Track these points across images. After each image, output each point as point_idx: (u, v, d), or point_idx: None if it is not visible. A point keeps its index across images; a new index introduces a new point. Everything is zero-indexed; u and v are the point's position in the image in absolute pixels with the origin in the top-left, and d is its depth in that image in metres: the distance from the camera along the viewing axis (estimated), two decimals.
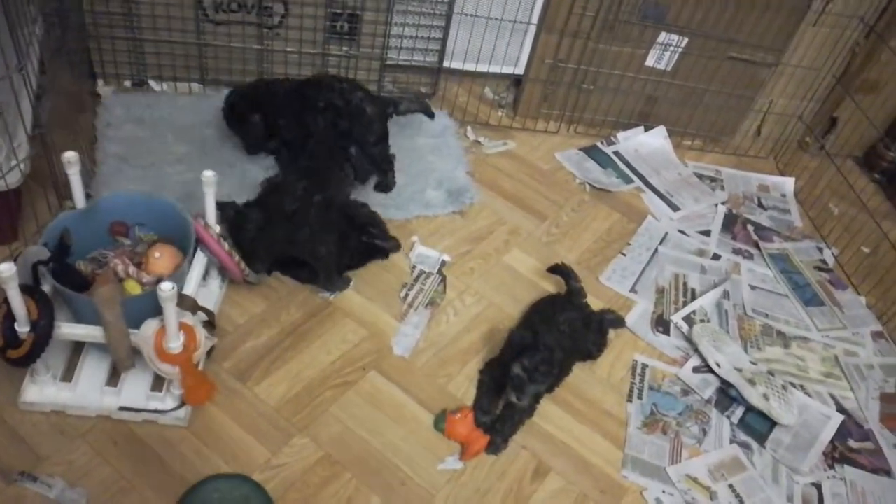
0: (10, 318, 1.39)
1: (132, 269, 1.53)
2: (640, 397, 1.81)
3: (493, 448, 1.63)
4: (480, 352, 1.82)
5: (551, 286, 2.02)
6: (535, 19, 2.38)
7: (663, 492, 1.63)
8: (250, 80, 2.20)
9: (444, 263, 2.01)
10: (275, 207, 1.81)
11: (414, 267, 1.99)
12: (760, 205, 2.47)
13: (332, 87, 2.06)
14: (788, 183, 2.56)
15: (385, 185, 2.17)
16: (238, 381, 1.66)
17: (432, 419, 1.66)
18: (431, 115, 2.29)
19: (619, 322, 1.89)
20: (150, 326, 1.42)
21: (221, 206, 1.72)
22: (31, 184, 1.87)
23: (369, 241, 1.90)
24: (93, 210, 1.60)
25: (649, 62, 2.43)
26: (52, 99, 2.06)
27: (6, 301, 1.37)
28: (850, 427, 1.84)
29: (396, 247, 1.96)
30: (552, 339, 1.61)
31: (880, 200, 2.59)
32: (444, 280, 1.97)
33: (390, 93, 2.50)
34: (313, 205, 1.80)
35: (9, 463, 1.44)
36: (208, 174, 1.59)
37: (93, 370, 1.59)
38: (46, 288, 1.47)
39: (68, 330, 1.46)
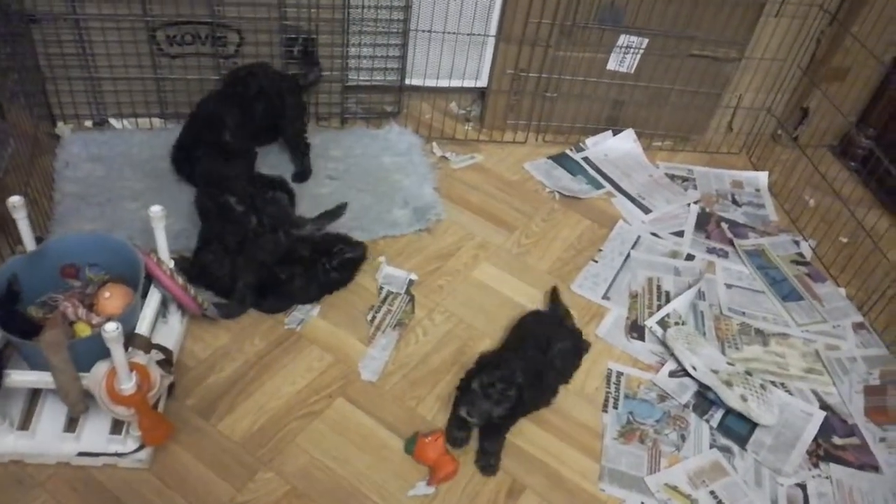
0: None
1: (81, 311, 1.51)
2: (615, 406, 1.77)
3: (490, 469, 1.60)
4: (451, 370, 1.79)
5: (522, 298, 1.98)
6: (492, 31, 2.36)
7: (642, 503, 1.59)
8: (183, 125, 2.16)
9: (411, 283, 1.98)
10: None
11: (381, 288, 1.96)
12: (734, 201, 2.44)
13: (253, 72, 2.13)
14: (762, 177, 2.53)
15: (302, 175, 2.20)
16: (201, 417, 1.63)
17: (402, 444, 1.63)
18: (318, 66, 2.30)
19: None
20: (101, 368, 1.39)
21: (179, 265, 1.72)
22: None
23: (341, 259, 1.89)
24: (42, 253, 1.57)
25: (611, 66, 2.41)
26: (13, 144, 2.05)
27: None
28: (834, 423, 1.80)
29: (364, 253, 1.96)
30: (516, 361, 1.57)
31: (857, 189, 2.54)
32: (412, 300, 1.94)
33: (354, 114, 2.49)
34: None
35: None
36: (156, 209, 1.57)
37: (51, 416, 1.55)
38: None
39: (18, 377, 1.44)
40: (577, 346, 1.79)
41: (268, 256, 1.82)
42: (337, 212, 2.00)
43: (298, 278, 1.83)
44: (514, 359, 1.59)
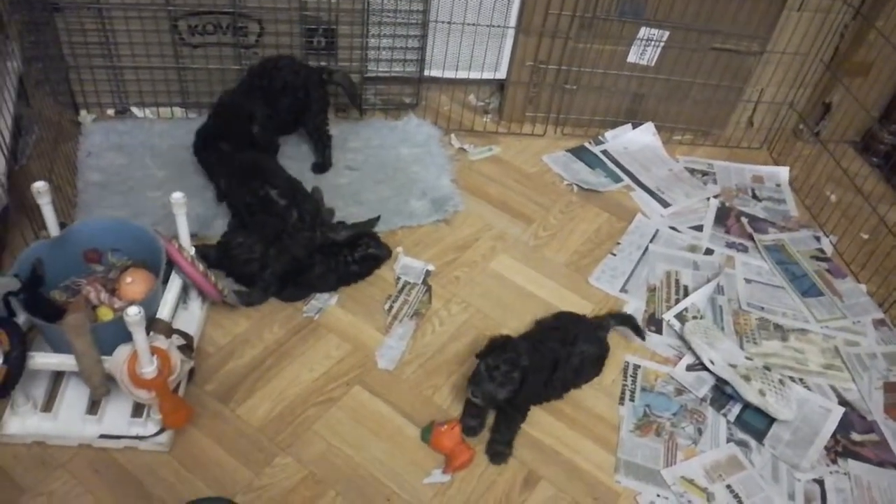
0: None
1: (104, 296, 1.52)
2: (632, 399, 1.76)
3: (499, 457, 1.60)
4: (467, 361, 1.79)
5: (539, 290, 1.98)
6: (512, 22, 2.36)
7: (658, 496, 1.59)
8: (208, 115, 2.17)
9: (428, 273, 1.99)
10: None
11: (398, 278, 1.97)
12: (755, 196, 2.42)
13: (279, 66, 2.13)
14: (783, 172, 2.51)
15: (322, 166, 2.22)
16: (220, 402, 1.64)
17: (418, 432, 1.63)
18: (356, 101, 2.32)
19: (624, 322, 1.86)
20: (123, 352, 1.41)
21: (200, 251, 1.76)
22: (17, 216, 1.88)
23: (364, 254, 1.91)
24: (65, 238, 1.60)
25: (631, 58, 2.40)
26: (38, 131, 2.08)
27: None
28: (853, 419, 1.78)
29: (389, 254, 1.97)
30: (524, 345, 1.57)
31: (880, 185, 2.52)
32: (429, 290, 1.95)
33: (373, 105, 2.50)
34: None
35: None
36: (177, 196, 1.58)
37: (73, 399, 1.58)
38: (20, 319, 1.47)
39: (42, 360, 1.46)
40: (601, 357, 1.77)
41: (301, 251, 1.84)
42: (371, 223, 2.01)
43: (319, 265, 1.84)
44: (523, 343, 1.60)
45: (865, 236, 2.27)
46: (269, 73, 2.12)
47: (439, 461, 1.59)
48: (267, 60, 2.17)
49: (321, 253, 1.85)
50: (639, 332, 1.86)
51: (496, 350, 1.54)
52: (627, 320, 1.86)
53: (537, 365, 1.56)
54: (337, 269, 1.88)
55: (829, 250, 2.24)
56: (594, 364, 1.76)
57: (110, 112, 2.33)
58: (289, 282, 1.84)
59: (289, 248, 1.84)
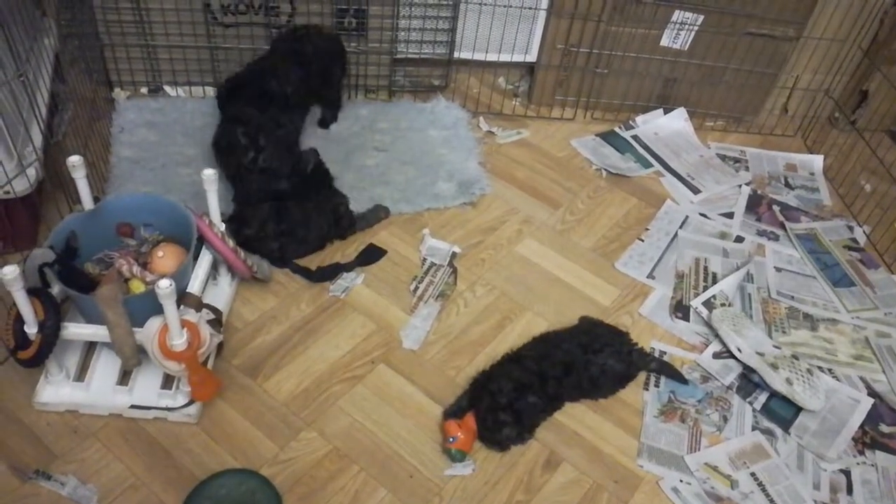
0: (20, 320, 1.42)
1: (136, 269, 1.55)
2: (657, 385, 1.75)
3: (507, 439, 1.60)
4: (491, 343, 1.79)
5: (565, 275, 1.98)
6: (544, 4, 2.34)
7: (681, 481, 1.58)
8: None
9: (454, 255, 1.99)
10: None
11: (424, 259, 1.97)
12: (787, 184, 2.38)
13: (308, 33, 2.19)
14: (817, 161, 2.47)
15: (325, 121, 2.33)
16: (248, 377, 1.67)
17: (440, 412, 1.62)
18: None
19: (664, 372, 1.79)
20: (154, 324, 1.44)
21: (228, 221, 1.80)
22: (52, 190, 1.92)
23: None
24: (99, 212, 1.62)
25: (664, 42, 2.37)
26: (73, 107, 2.12)
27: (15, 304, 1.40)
28: (882, 411, 1.76)
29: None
30: (499, 379, 1.60)
31: None
32: (454, 272, 1.95)
33: (402, 87, 2.50)
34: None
35: (25, 461, 1.48)
36: (209, 172, 1.60)
37: (105, 369, 1.61)
38: (55, 290, 1.51)
39: (75, 330, 1.49)
40: (626, 377, 1.73)
41: (251, 193, 1.89)
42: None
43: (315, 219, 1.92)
44: (500, 377, 1.61)
45: None
46: (299, 39, 2.16)
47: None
48: (295, 28, 2.20)
49: (316, 212, 1.92)
50: (678, 378, 1.77)
51: (479, 396, 1.59)
52: (665, 369, 1.78)
53: (559, 373, 1.63)
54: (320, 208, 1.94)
55: (862, 240, 2.20)
56: (618, 381, 1.72)
57: (143, 90, 2.36)
58: (292, 239, 1.89)
59: (246, 189, 1.90)
